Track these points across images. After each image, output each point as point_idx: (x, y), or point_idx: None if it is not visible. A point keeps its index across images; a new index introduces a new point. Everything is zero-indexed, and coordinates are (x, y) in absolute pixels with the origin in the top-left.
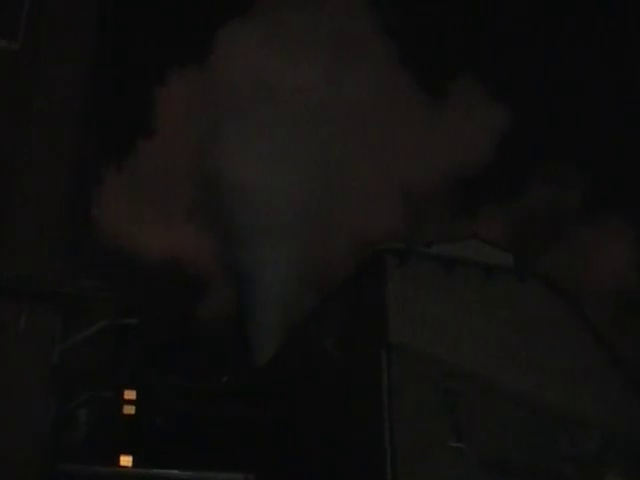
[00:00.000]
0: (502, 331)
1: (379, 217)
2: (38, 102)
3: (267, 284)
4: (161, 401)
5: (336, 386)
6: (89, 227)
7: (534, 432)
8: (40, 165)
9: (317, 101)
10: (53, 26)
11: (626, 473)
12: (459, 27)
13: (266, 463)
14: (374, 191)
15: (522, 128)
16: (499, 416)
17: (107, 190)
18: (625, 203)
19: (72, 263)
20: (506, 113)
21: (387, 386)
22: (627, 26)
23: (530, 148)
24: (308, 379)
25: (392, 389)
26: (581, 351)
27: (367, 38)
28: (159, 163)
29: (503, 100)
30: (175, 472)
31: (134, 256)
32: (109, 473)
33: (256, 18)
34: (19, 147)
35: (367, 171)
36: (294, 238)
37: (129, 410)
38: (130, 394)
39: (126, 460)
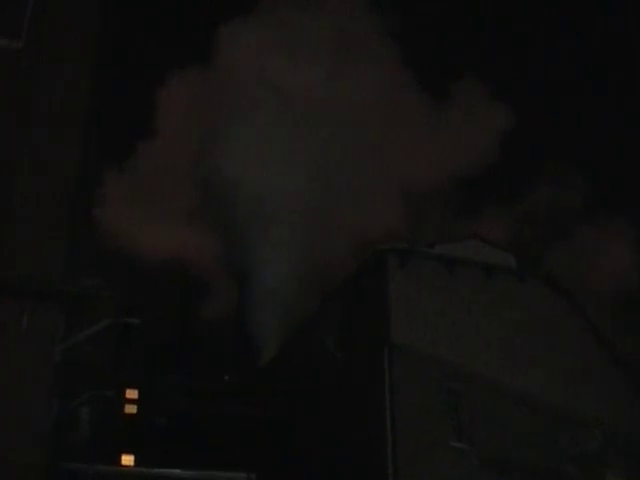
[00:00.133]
0: (503, 331)
1: (379, 217)
2: (39, 102)
3: (267, 284)
4: (163, 400)
5: (337, 386)
6: (91, 227)
7: (535, 432)
8: (40, 165)
9: (318, 101)
10: (55, 26)
11: (627, 473)
12: (461, 28)
13: (267, 463)
14: (374, 191)
15: (523, 129)
16: (500, 416)
17: (108, 190)
18: (626, 203)
19: (74, 263)
20: (507, 113)
21: (388, 386)
22: (627, 26)
23: (531, 148)
24: (309, 379)
25: (393, 389)
26: (582, 351)
27: (369, 38)
28: (160, 163)
29: (504, 100)
30: (177, 471)
31: (135, 256)
32: (111, 472)
33: (257, 19)
34: (19, 147)
35: (367, 171)
36: (294, 238)
37: (131, 409)
38: (132, 393)
39: (128, 459)
